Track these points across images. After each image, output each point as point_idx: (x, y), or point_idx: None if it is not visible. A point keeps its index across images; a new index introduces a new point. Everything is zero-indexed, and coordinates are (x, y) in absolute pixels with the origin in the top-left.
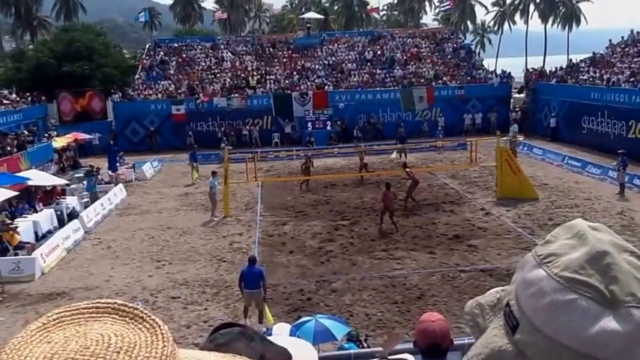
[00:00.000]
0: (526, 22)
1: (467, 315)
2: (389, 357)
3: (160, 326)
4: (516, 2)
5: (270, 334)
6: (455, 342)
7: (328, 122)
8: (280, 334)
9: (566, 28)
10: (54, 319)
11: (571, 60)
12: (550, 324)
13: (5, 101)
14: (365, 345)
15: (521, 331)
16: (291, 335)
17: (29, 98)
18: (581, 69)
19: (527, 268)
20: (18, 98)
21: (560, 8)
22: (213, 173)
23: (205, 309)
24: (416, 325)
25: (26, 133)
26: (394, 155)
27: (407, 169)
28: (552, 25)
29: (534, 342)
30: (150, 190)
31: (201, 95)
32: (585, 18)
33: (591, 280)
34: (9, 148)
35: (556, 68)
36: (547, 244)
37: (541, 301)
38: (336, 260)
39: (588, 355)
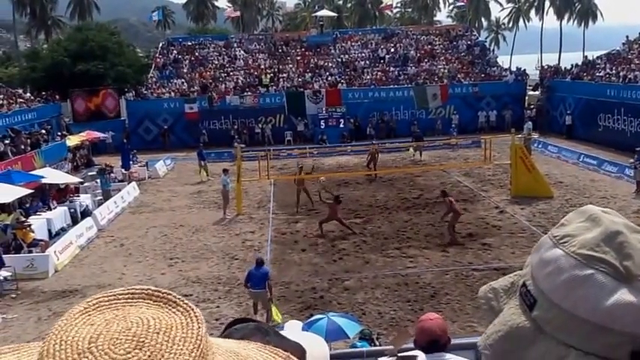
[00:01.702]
0: (541, 19)
1: (481, 299)
2: (399, 354)
3: (193, 309)
4: None
5: (282, 329)
6: (468, 340)
7: (341, 120)
8: (291, 330)
9: (582, 24)
10: (93, 304)
11: (586, 57)
12: (568, 298)
13: (20, 100)
14: (377, 343)
15: (539, 308)
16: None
17: (44, 97)
18: (597, 66)
19: (543, 249)
20: (32, 97)
21: (576, 4)
22: (225, 171)
23: (218, 306)
24: (415, 325)
25: (43, 132)
26: (410, 151)
27: (448, 198)
28: (568, 21)
29: (552, 317)
30: (162, 188)
31: (214, 94)
32: (602, 14)
33: (607, 257)
34: (23, 147)
35: (572, 65)
36: (561, 226)
37: (559, 278)
38: (349, 258)
39: (604, 327)
